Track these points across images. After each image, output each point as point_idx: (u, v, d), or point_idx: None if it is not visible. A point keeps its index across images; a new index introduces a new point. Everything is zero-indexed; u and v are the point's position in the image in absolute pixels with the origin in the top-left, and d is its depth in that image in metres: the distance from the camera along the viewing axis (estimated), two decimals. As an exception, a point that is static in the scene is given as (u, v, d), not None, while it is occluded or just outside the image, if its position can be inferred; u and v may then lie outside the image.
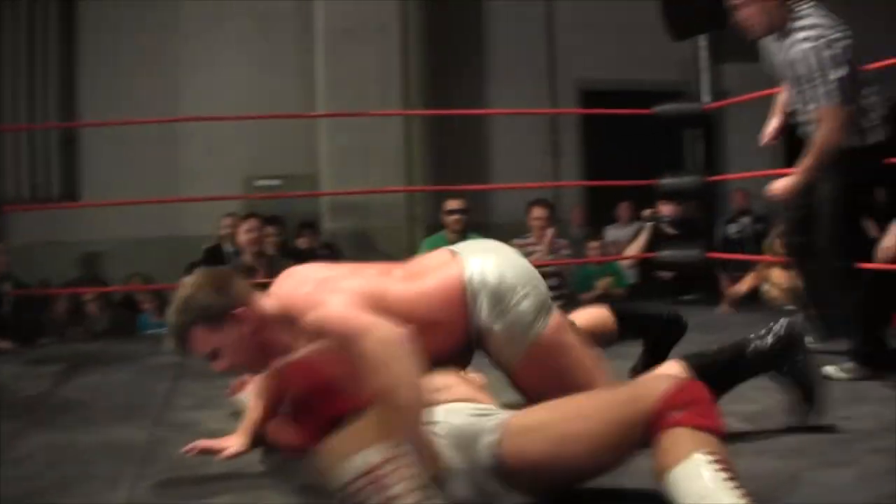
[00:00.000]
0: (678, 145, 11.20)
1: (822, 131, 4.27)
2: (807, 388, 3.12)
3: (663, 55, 11.29)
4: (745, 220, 9.53)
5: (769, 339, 3.12)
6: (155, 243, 9.34)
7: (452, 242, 6.95)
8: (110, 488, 2.86)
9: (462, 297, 2.83)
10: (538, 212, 7.82)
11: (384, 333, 2.48)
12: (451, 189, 8.75)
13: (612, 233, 9.79)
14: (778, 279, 6.30)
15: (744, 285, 6.48)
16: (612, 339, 3.48)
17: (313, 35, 9.92)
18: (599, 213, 10.44)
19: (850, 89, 4.21)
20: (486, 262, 2.88)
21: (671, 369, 3.01)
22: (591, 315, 3.49)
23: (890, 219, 4.34)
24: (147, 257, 9.49)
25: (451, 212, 7.51)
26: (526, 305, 2.83)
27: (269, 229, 7.78)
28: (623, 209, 9.95)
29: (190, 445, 2.98)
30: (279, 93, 10.16)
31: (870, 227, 5.27)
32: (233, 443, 3.02)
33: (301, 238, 9.07)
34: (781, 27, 4.39)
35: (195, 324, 2.74)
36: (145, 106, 9.53)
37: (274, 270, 6.77)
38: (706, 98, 7.36)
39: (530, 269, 2.97)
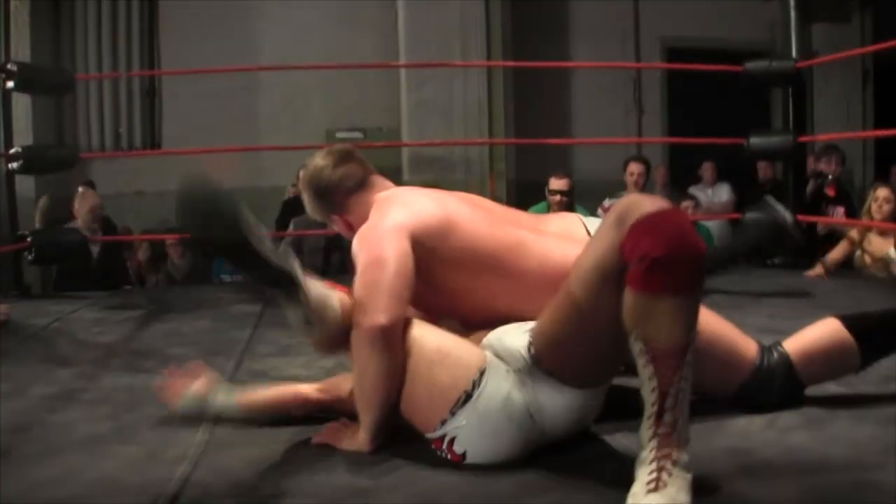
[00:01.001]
0: (764, 105, 11.04)
1: None
2: None
3: (749, 14, 11.14)
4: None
5: None
6: (235, 193, 9.34)
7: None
8: (191, 429, 2.84)
9: None
10: (635, 167, 7.42)
11: (366, 330, 2.50)
12: (532, 143, 8.67)
13: (696, 193, 9.61)
14: (874, 246, 6.12)
15: (838, 251, 6.29)
16: (855, 363, 2.86)
17: (395, -13, 9.84)
18: (683, 173, 10.27)
19: None
20: None
21: (827, 324, 2.87)
22: (820, 332, 2.89)
23: None
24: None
25: (555, 192, 6.92)
26: None
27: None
28: (707, 169, 9.76)
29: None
30: (360, 46, 10.13)
31: None
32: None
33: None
34: None
35: (308, 204, 3.10)
36: (226, 58, 9.53)
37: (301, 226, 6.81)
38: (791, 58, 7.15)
39: None
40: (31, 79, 6.34)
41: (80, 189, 7.44)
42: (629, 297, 2.09)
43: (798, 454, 2.41)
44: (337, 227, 3.10)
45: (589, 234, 2.83)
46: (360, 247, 2.68)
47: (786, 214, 5.37)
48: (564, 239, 2.78)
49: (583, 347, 2.31)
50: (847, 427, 2.66)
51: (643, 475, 2.03)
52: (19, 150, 6.13)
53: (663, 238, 2.02)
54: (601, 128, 10.66)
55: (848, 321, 2.85)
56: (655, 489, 1.98)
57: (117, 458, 2.60)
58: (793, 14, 7.32)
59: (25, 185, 8.58)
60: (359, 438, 2.58)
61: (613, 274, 2.13)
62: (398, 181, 9.03)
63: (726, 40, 11.04)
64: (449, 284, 2.73)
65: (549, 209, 6.90)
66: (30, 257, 6.15)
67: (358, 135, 10.17)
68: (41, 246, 6.14)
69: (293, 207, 8.23)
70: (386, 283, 2.55)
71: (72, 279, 6.95)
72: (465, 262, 2.69)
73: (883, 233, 6.11)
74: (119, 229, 8.58)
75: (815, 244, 7.10)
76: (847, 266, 6.30)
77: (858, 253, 6.22)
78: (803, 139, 6.85)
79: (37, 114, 9.57)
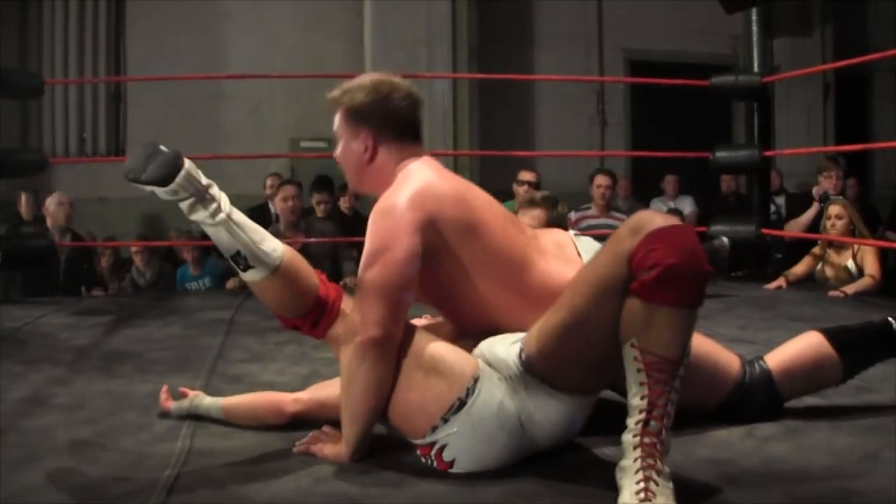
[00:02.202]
0: (727, 119, 11.14)
1: None
2: None
3: (712, 28, 11.25)
4: (780, 200, 9.35)
5: None
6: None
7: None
8: (170, 437, 2.85)
9: None
10: (602, 180, 7.46)
11: (356, 339, 2.48)
12: (496, 154, 8.71)
13: (658, 206, 9.68)
14: (833, 259, 6.23)
15: (801, 266, 6.39)
16: (836, 376, 2.92)
17: (362, -4, 9.86)
18: (645, 185, 10.33)
19: None
20: None
21: (810, 338, 2.92)
22: (802, 346, 2.93)
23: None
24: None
25: (522, 182, 7.21)
26: None
27: (320, 196, 7.57)
28: (669, 182, 9.82)
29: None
30: (326, 55, 10.15)
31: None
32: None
33: (341, 198, 8.90)
34: None
35: (341, 104, 2.77)
36: (192, 64, 9.53)
37: (314, 232, 6.78)
38: (756, 72, 7.22)
39: None
40: (2, 82, 6.29)
41: (56, 194, 7.37)
42: (633, 304, 2.14)
43: (778, 463, 2.44)
44: (348, 146, 2.78)
45: (579, 254, 2.81)
46: (376, 226, 2.55)
47: (722, 240, 5.44)
48: (561, 259, 2.74)
49: (577, 354, 2.32)
50: (825, 436, 2.70)
51: (630, 484, 2.05)
52: (-14, 153, 6.08)
53: (676, 250, 2.09)
54: (565, 139, 10.73)
55: (830, 335, 2.90)
56: (646, 499, 2.00)
57: (100, 464, 2.60)
58: (755, 28, 7.43)
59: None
60: (340, 449, 2.56)
61: (618, 285, 2.17)
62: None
63: (689, 53, 11.16)
64: (451, 281, 2.64)
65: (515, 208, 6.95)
66: (-2, 262, 6.09)
67: (322, 144, 10.15)
68: (9, 250, 6.07)
69: (259, 215, 8.21)
70: (387, 291, 2.48)
71: (40, 284, 6.92)
72: (476, 267, 2.60)
73: (839, 247, 6.23)
74: (83, 236, 8.51)
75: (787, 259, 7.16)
76: (810, 279, 6.38)
77: (820, 266, 6.32)
78: (768, 153, 6.92)
79: (3, 117, 9.50)
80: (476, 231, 2.59)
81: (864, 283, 5.90)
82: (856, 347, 2.91)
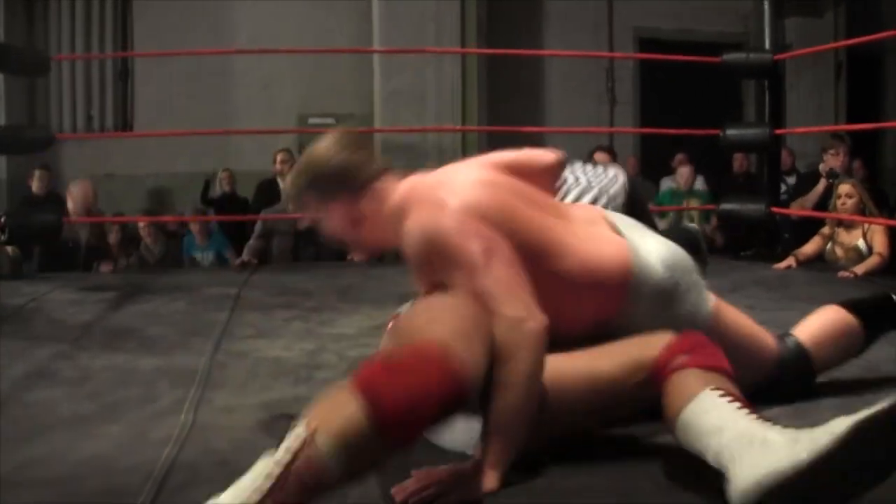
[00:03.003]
0: (737, 97, 11.09)
1: None
2: None
3: (722, 6, 11.19)
4: (791, 179, 9.31)
5: None
6: (207, 177, 9.27)
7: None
8: (175, 411, 2.84)
9: (621, 290, 2.53)
10: (601, 157, 7.39)
11: (526, 326, 2.24)
12: (505, 130, 8.66)
13: (668, 184, 9.65)
14: (843, 239, 6.19)
15: (810, 246, 6.35)
16: (859, 345, 2.93)
17: (371, -27, 9.81)
18: (654, 163, 10.29)
19: None
20: (651, 251, 2.58)
21: (830, 311, 2.91)
22: (827, 318, 2.91)
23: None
24: (197, 191, 9.48)
25: None
26: (689, 303, 2.60)
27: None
28: (679, 160, 9.77)
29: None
30: (334, 31, 10.09)
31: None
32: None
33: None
34: None
35: (302, 196, 2.63)
36: (199, 41, 9.48)
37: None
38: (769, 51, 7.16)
39: (679, 249, 2.69)
40: (7, 58, 6.27)
41: (82, 183, 7.38)
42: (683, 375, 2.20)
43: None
44: (331, 218, 2.63)
45: (615, 229, 2.65)
46: (454, 239, 2.33)
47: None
48: (597, 239, 2.59)
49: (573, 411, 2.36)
50: (833, 416, 2.66)
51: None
52: (-6, 129, 6.07)
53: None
54: (574, 117, 10.68)
55: (848, 305, 2.90)
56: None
57: (103, 438, 2.58)
58: (766, 7, 7.32)
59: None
60: (478, 482, 2.14)
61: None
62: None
63: (699, 32, 11.10)
64: None
65: None
66: (2, 238, 6.08)
67: (330, 121, 10.11)
68: (15, 227, 6.06)
69: (268, 191, 8.22)
70: (522, 282, 2.33)
71: (61, 262, 6.95)
72: (522, 258, 2.39)
73: (849, 226, 6.19)
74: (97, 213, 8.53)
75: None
76: (819, 260, 6.35)
77: (830, 246, 6.29)
78: (779, 132, 6.88)
79: (10, 94, 9.50)
80: (513, 224, 2.44)
81: (872, 261, 5.87)
82: (872, 314, 2.92)
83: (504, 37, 10.08)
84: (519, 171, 2.65)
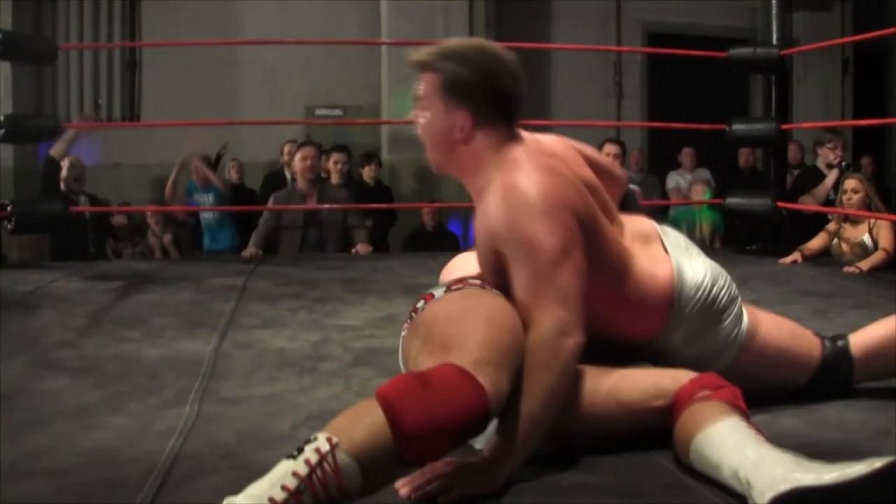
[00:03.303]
0: (744, 92, 11.07)
1: None
2: None
3: (730, 1, 11.17)
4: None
5: None
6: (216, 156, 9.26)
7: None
8: (179, 401, 2.84)
9: (665, 309, 2.55)
10: (611, 149, 7.31)
11: (568, 340, 2.21)
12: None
13: (675, 179, 9.63)
14: (849, 234, 6.19)
15: (816, 242, 6.35)
16: None
17: (379, -36, 9.81)
18: (662, 158, 10.28)
19: None
20: (696, 273, 2.58)
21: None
22: (890, 331, 2.82)
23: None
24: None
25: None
26: (727, 323, 2.61)
27: (339, 156, 7.63)
28: (686, 154, 9.76)
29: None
30: (342, 22, 10.08)
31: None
32: None
33: (365, 168, 8.81)
34: None
35: (438, 71, 2.46)
36: (207, 31, 9.47)
37: (328, 198, 6.77)
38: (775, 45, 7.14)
39: (720, 269, 2.68)
40: (15, 46, 6.28)
41: (68, 158, 7.34)
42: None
43: (790, 437, 2.39)
44: (438, 120, 2.48)
45: (665, 247, 2.64)
46: (543, 224, 2.26)
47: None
48: (648, 259, 2.58)
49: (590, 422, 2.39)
50: (838, 412, 2.68)
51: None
52: (1, 118, 6.06)
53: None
54: (581, 110, 10.66)
55: None
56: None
57: (108, 428, 2.59)
58: (774, 2, 7.30)
59: (4, 155, 8.55)
60: (487, 477, 2.10)
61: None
62: (377, 160, 8.94)
63: (707, 26, 11.10)
64: None
65: None
66: (9, 227, 6.09)
67: (338, 112, 10.12)
68: (21, 216, 6.07)
69: (274, 182, 8.22)
70: (582, 296, 2.28)
71: (71, 248, 6.98)
72: (590, 269, 2.34)
73: (855, 222, 6.19)
74: (101, 199, 8.55)
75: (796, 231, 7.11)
76: (826, 255, 6.34)
77: (836, 242, 6.28)
78: (785, 127, 6.87)
79: (17, 83, 9.50)
80: (594, 232, 2.41)
81: (877, 257, 5.86)
82: None
83: (512, 30, 10.07)
84: (599, 172, 2.64)
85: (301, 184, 6.86)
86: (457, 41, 2.51)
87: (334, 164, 7.46)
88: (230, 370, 3.29)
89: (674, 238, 2.72)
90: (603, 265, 2.43)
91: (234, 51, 10.07)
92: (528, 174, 2.33)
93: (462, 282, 2.48)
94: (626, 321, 2.52)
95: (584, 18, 11.09)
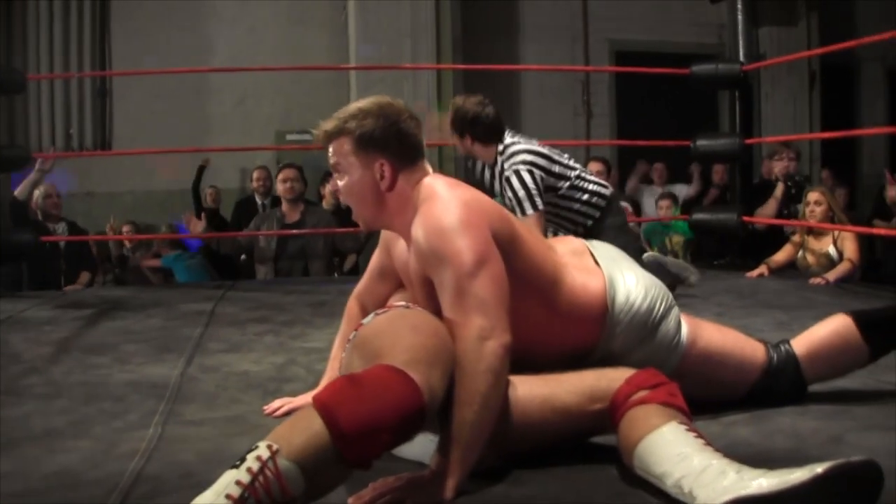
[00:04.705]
0: (713, 108, 11.17)
1: None
2: None
3: (697, 17, 11.28)
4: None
5: None
6: (185, 194, 9.27)
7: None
8: (143, 424, 2.88)
9: (599, 320, 2.61)
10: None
11: (489, 343, 2.27)
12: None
13: (647, 194, 9.70)
14: (813, 246, 6.26)
15: (782, 254, 6.42)
16: (863, 358, 2.92)
17: (346, -10, 9.88)
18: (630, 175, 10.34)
19: None
20: (628, 283, 2.65)
21: (837, 322, 2.90)
22: (829, 331, 2.92)
23: None
24: (175, 208, 9.49)
25: None
26: (664, 332, 2.68)
27: (289, 171, 7.59)
28: (656, 171, 9.84)
29: (271, 406, 2.94)
30: (311, 48, 10.15)
31: None
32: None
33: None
34: None
35: (346, 133, 2.51)
36: (177, 59, 9.51)
37: (306, 219, 6.80)
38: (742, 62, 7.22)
39: (654, 279, 2.77)
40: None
41: (43, 186, 7.36)
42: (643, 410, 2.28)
43: (742, 447, 2.44)
44: (359, 175, 2.54)
45: (596, 261, 2.72)
46: (455, 244, 2.33)
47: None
48: (582, 270, 2.66)
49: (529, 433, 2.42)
50: (791, 421, 2.73)
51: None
52: (-30, 149, 6.09)
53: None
54: (551, 130, 10.64)
55: (858, 319, 2.89)
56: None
57: (72, 452, 2.62)
58: (740, 17, 7.40)
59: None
60: (436, 488, 2.18)
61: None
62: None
63: (675, 43, 11.17)
64: None
65: None
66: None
67: (308, 137, 10.13)
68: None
69: (246, 207, 8.25)
70: (503, 299, 2.33)
71: (43, 275, 7.06)
72: (514, 284, 2.41)
73: (819, 234, 6.27)
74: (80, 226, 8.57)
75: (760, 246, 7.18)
76: (792, 267, 6.41)
77: (801, 254, 6.35)
78: (750, 141, 6.94)
79: (-12, 113, 9.52)
80: (515, 246, 2.48)
81: (843, 267, 5.95)
82: (883, 331, 2.89)
83: (480, 49, 10.13)
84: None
85: (285, 206, 6.90)
86: (352, 104, 2.59)
87: (283, 182, 7.07)
88: (195, 393, 3.32)
89: (604, 251, 2.80)
90: (532, 277, 2.52)
91: (204, 78, 10.12)
92: (445, 200, 2.42)
93: (387, 307, 2.58)
94: (561, 332, 2.59)
95: (551, 38, 11.14)
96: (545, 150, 5.07)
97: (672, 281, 4.77)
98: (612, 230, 4.97)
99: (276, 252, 6.88)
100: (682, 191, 9.47)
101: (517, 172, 4.90)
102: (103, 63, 10.50)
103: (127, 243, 8.51)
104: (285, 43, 10.20)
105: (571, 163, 5.16)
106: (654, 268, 3.87)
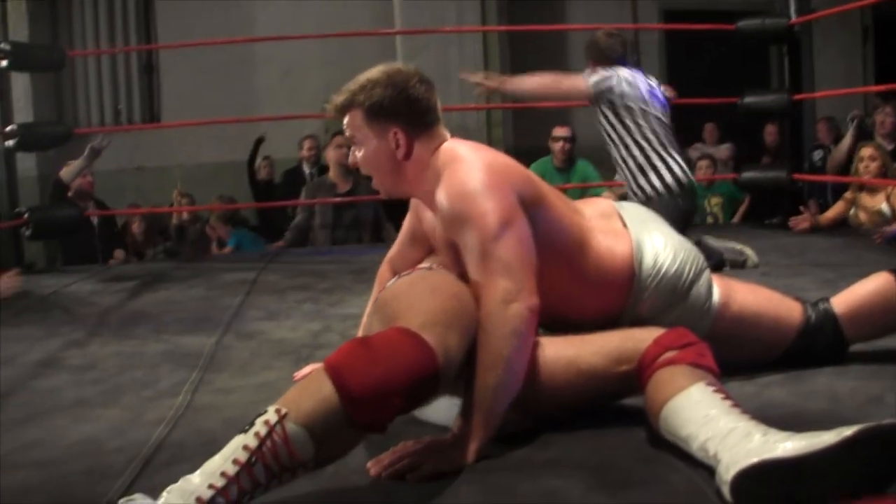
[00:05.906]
0: (765, 69, 10.99)
1: None
2: None
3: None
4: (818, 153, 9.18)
5: None
6: (235, 166, 9.30)
7: (559, 169, 6.85)
8: (172, 393, 2.89)
9: (626, 284, 2.57)
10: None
11: (514, 306, 2.24)
12: (529, 107, 8.64)
13: (696, 151, 9.57)
14: (866, 203, 6.14)
15: (833, 211, 6.30)
16: None
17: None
18: (683, 135, 10.20)
19: None
20: (656, 246, 2.60)
21: (879, 280, 2.80)
22: (871, 289, 2.81)
23: None
24: (225, 181, 9.52)
25: (557, 139, 7.33)
26: (695, 295, 2.62)
27: (342, 138, 7.61)
28: (708, 129, 9.73)
29: (301, 372, 2.86)
30: (355, 17, 10.08)
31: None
32: None
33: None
34: None
35: (357, 105, 2.49)
36: (221, 33, 9.46)
37: (359, 188, 6.77)
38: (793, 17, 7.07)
39: (685, 241, 2.72)
40: (23, 57, 6.35)
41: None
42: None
43: (776, 408, 2.39)
44: (374, 144, 2.52)
45: (623, 223, 2.67)
46: (480, 207, 2.30)
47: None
48: (609, 234, 2.61)
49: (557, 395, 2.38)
50: (828, 381, 2.65)
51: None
52: (14, 127, 6.14)
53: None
54: (599, 91, 10.60)
55: None
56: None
57: (99, 421, 2.64)
58: (791, -29, 7.25)
59: (27, 164, 8.62)
60: (455, 453, 2.15)
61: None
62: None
63: (725, 1, 10.99)
64: None
65: (552, 164, 7.31)
66: (27, 233, 6.17)
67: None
68: (38, 222, 6.15)
69: (293, 177, 8.27)
70: (529, 261, 2.31)
71: (79, 253, 7.09)
72: (542, 247, 2.38)
73: (872, 190, 6.13)
74: (121, 206, 8.62)
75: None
76: (844, 225, 6.30)
77: (853, 211, 6.23)
78: (799, 97, 6.80)
79: (37, 91, 9.60)
80: (541, 209, 2.45)
81: (896, 224, 5.81)
82: None
83: (526, 11, 10.05)
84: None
85: (333, 173, 6.88)
86: (362, 75, 2.54)
87: (338, 148, 6.92)
88: (228, 362, 3.33)
89: (633, 212, 2.75)
90: (557, 241, 2.47)
91: (250, 50, 10.11)
92: (468, 163, 2.39)
93: (411, 270, 2.56)
94: (586, 298, 2.54)
95: (599, -1, 11.02)
96: None
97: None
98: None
99: (333, 222, 6.86)
100: (719, 152, 9.35)
101: None
102: (148, 38, 10.56)
103: (185, 214, 8.53)
104: (329, 12, 10.14)
105: None
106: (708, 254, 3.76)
